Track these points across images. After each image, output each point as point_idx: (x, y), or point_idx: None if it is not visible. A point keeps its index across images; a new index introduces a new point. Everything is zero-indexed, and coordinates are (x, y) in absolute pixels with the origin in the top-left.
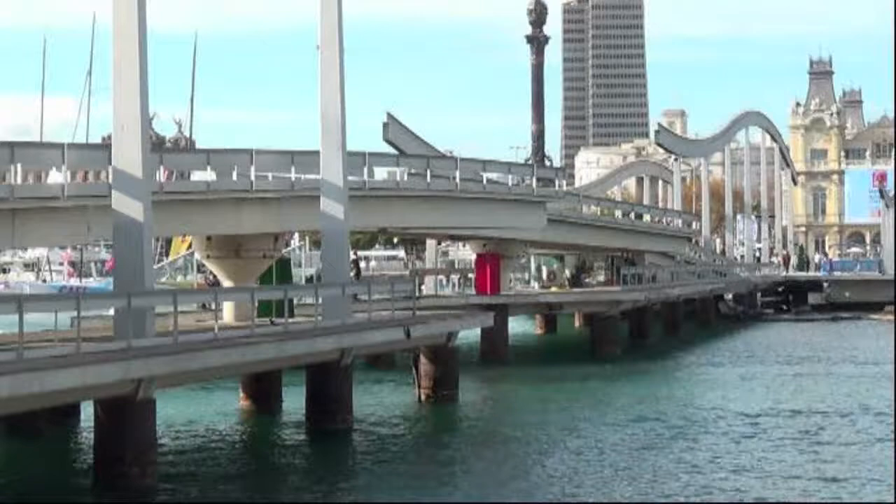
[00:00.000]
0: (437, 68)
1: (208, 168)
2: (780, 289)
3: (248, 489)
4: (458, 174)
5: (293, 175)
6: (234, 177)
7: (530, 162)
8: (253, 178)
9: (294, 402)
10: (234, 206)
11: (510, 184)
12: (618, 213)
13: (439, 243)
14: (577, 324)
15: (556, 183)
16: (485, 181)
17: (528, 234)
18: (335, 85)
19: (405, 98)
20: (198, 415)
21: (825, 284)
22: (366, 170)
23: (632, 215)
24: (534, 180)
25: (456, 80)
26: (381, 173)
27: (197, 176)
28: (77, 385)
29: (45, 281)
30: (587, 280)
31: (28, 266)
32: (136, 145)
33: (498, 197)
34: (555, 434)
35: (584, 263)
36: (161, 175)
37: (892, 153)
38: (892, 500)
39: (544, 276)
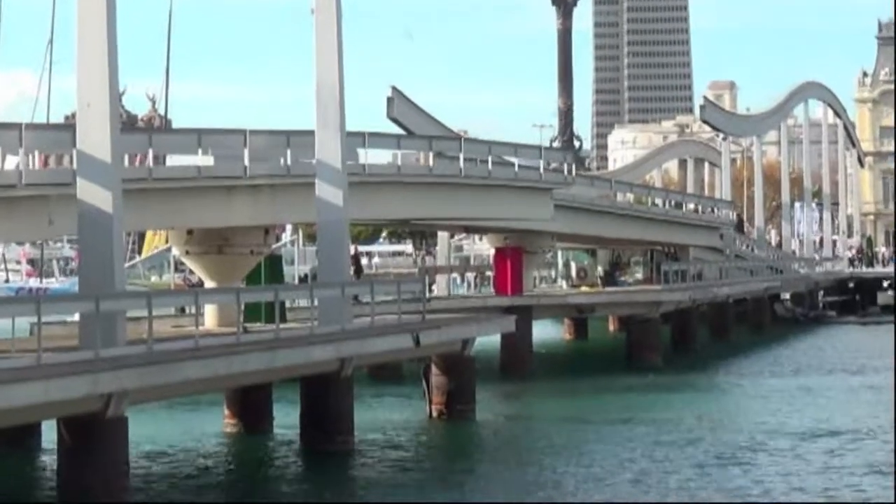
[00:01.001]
0: (449, 37)
1: (199, 151)
2: (846, 286)
3: None
4: (461, 157)
5: (289, 159)
6: (202, 159)
7: (556, 143)
8: (247, 162)
9: (286, 419)
10: (224, 194)
11: (516, 168)
12: (658, 202)
13: (452, 236)
14: (611, 328)
15: (566, 167)
16: (490, 165)
17: (534, 225)
18: (332, 53)
19: (413, 71)
20: (176, 435)
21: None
22: (365, 152)
23: (669, 203)
24: (541, 164)
25: (470, 50)
26: (382, 157)
27: (172, 160)
28: (37, 401)
29: (7, 282)
30: (623, 278)
31: None
32: (104, 125)
33: (503, 183)
34: (586, 458)
35: (618, 259)
36: (149, 159)
37: None
38: (893, 501)
39: (573, 273)
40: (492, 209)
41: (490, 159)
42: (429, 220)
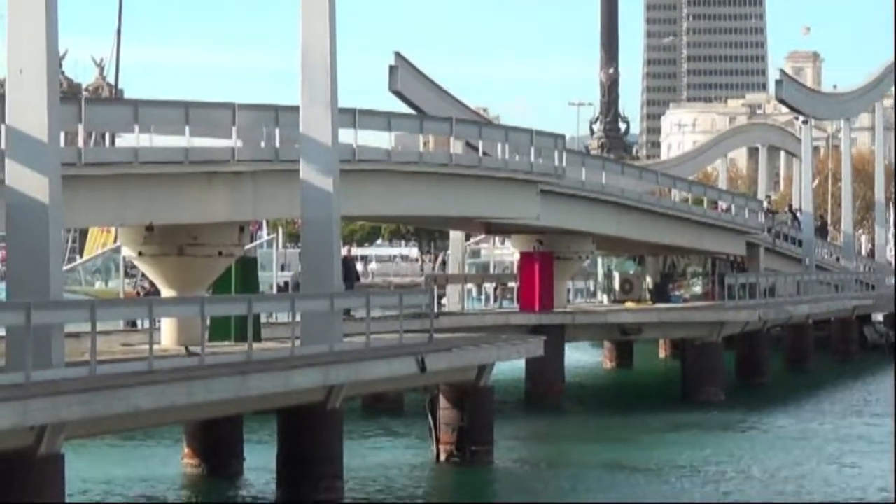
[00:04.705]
0: None
1: (187, 128)
2: None
3: None
4: (452, 142)
5: (277, 140)
6: (157, 139)
7: (598, 125)
8: (235, 142)
9: (260, 460)
10: (204, 182)
11: (506, 154)
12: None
13: (468, 238)
14: (662, 354)
15: (557, 155)
16: (480, 152)
17: (522, 221)
18: (321, 6)
19: (427, 38)
20: (124, 477)
21: None
22: (355, 132)
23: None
24: (531, 151)
25: (494, 12)
26: (380, 140)
27: (122, 140)
28: None
29: None
30: (677, 292)
31: None
32: (40, 95)
33: (492, 174)
34: None
35: (672, 269)
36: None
37: None
38: (893, 501)
39: (616, 285)
40: (477, 204)
41: (480, 144)
42: (417, 217)
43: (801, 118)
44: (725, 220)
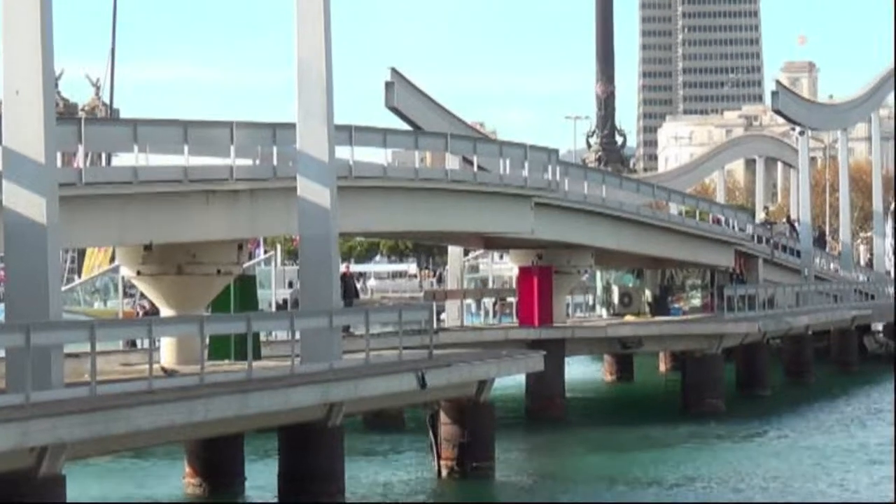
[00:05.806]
0: (466, 9)
1: (185, 147)
2: None
3: None
4: (448, 158)
5: (275, 158)
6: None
7: (594, 138)
8: (233, 160)
9: (261, 479)
10: (202, 202)
11: (502, 170)
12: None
13: (466, 253)
14: (662, 367)
15: (551, 170)
16: (475, 167)
17: (517, 235)
18: (317, 21)
19: (421, 52)
20: (125, 498)
21: None
22: (351, 150)
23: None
24: (526, 165)
25: (492, 27)
26: (377, 156)
27: (117, 159)
28: None
29: None
30: (676, 305)
31: None
32: (37, 115)
33: (487, 189)
34: None
35: (671, 281)
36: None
37: None
38: (893, 501)
39: (615, 299)
40: (473, 219)
41: (476, 160)
42: (414, 232)
43: (798, 129)
44: (715, 231)
